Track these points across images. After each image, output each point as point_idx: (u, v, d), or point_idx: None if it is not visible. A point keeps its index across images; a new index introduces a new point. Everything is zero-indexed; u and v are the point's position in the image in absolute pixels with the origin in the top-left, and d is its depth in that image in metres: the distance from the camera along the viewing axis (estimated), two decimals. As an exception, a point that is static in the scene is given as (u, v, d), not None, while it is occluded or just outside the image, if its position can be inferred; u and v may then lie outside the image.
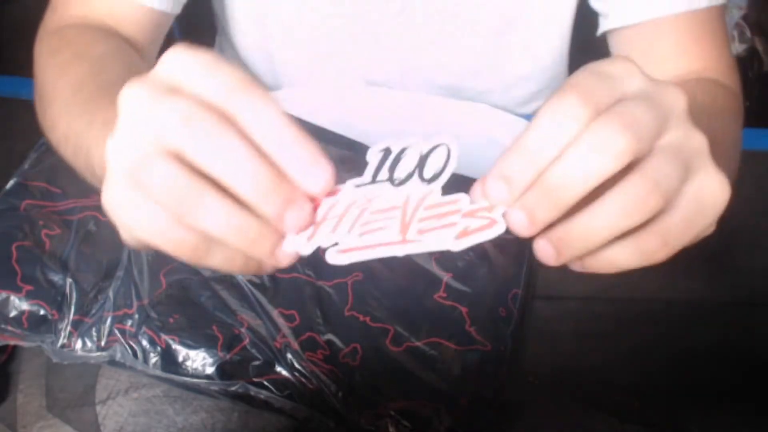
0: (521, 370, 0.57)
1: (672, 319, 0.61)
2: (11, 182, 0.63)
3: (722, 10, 0.64)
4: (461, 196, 0.31)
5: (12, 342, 0.57)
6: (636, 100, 0.31)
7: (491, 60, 0.75)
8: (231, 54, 0.82)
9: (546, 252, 0.31)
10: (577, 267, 0.33)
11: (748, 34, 1.32)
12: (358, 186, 0.32)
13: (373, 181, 0.32)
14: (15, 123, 0.74)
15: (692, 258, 0.62)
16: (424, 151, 0.31)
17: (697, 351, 0.59)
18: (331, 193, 0.31)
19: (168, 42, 0.71)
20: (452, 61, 0.74)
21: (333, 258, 0.31)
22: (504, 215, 0.31)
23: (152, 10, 0.64)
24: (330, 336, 0.55)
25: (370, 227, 0.31)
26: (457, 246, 0.31)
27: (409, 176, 0.31)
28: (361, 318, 0.56)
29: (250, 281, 0.56)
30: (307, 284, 0.57)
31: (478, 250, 0.60)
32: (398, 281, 0.58)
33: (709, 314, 0.61)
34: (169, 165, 0.29)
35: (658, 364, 0.59)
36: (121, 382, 0.56)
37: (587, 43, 0.72)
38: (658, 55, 0.63)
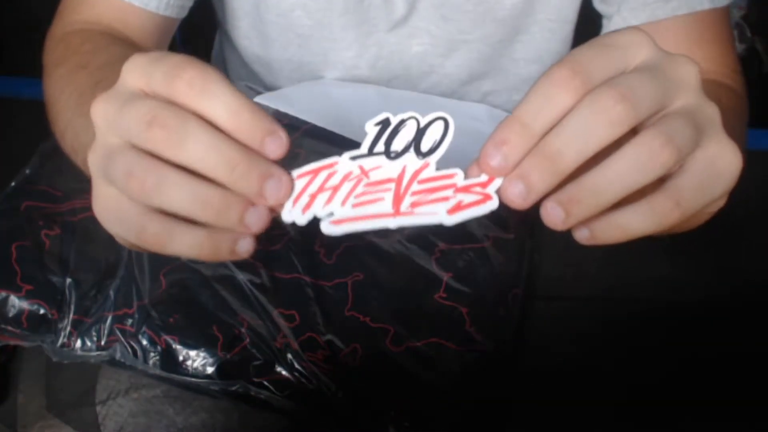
0: (521, 370, 0.57)
1: (672, 320, 0.61)
2: (12, 185, 0.62)
3: (726, 11, 0.64)
4: (456, 171, 0.32)
5: (12, 342, 0.57)
6: (640, 71, 0.31)
7: (496, 64, 0.75)
8: (230, 51, 0.82)
9: (554, 214, 0.30)
10: (583, 237, 0.32)
11: (748, 34, 1.32)
12: (354, 158, 0.32)
13: (370, 153, 0.32)
14: (15, 123, 0.74)
15: (692, 258, 0.63)
16: (422, 125, 0.32)
17: (697, 351, 0.59)
18: (328, 165, 0.32)
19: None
20: (457, 65, 0.74)
21: (327, 228, 0.32)
22: (498, 191, 0.31)
23: (158, 16, 0.64)
24: (330, 336, 0.55)
25: (364, 199, 0.32)
26: (450, 220, 0.32)
27: (406, 149, 0.32)
28: (362, 318, 0.56)
29: (250, 281, 0.56)
30: (307, 284, 0.57)
31: (478, 250, 0.60)
32: (398, 281, 0.58)
33: (709, 315, 0.61)
34: (130, 153, 0.31)
35: (658, 365, 0.59)
36: (121, 382, 0.56)
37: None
38: None
